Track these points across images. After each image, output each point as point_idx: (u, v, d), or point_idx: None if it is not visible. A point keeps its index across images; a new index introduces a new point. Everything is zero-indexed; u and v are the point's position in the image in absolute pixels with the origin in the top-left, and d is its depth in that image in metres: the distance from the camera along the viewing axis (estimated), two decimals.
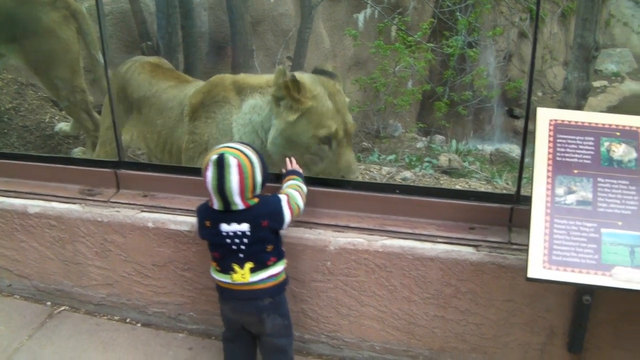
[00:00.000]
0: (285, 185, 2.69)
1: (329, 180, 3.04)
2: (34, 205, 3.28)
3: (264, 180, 2.54)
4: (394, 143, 7.92)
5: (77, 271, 3.29)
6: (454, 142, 7.90)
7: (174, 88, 3.69)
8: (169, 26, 6.80)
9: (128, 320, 3.31)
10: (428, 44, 7.65)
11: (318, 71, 3.27)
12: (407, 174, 5.47)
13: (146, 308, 3.24)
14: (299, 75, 3.14)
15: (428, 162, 6.59)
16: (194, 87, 3.63)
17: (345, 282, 2.85)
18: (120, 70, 3.98)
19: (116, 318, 3.32)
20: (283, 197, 2.56)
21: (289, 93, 3.05)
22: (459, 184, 5.23)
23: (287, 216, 2.54)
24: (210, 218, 2.52)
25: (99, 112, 4.79)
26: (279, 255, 2.57)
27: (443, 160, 6.45)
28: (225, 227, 2.48)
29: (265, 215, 2.49)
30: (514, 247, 2.69)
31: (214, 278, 2.60)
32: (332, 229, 2.85)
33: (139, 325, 3.29)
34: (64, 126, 5.25)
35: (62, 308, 3.41)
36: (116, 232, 3.11)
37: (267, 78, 3.23)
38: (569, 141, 2.42)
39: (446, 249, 2.71)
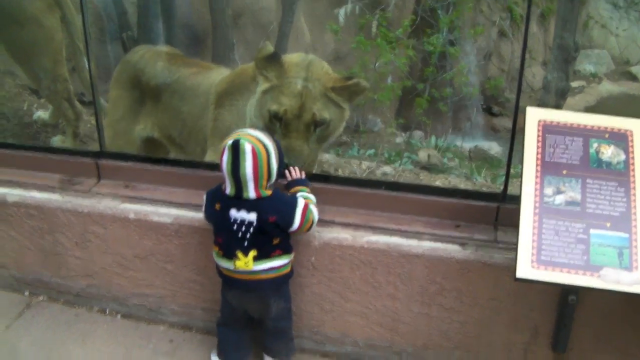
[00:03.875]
0: (298, 194, 2.69)
1: (315, 175, 3.01)
2: (13, 194, 3.21)
3: (280, 169, 2.57)
4: (373, 138, 7.90)
5: (56, 261, 3.22)
6: (433, 138, 7.89)
7: (197, 75, 3.66)
8: (150, 17, 6.66)
9: (108, 311, 3.26)
10: (409, 41, 7.62)
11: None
12: (387, 169, 5.47)
13: (127, 300, 3.19)
14: (289, 55, 3.16)
15: (407, 157, 6.58)
16: (218, 73, 3.64)
17: (330, 278, 2.83)
18: (130, 59, 3.90)
19: (96, 309, 3.27)
20: (300, 203, 2.58)
21: (264, 66, 3.04)
22: (439, 180, 5.23)
23: (297, 223, 2.56)
24: (221, 201, 2.55)
25: (81, 102, 4.69)
26: (285, 249, 2.60)
27: (422, 155, 6.46)
28: (234, 213, 2.52)
29: (274, 212, 2.52)
30: (500, 245, 2.69)
31: (216, 263, 2.63)
32: (318, 224, 2.79)
33: (119, 316, 3.24)
34: (42, 114, 5.15)
35: (41, 298, 3.34)
36: (97, 223, 3.06)
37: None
38: (558, 142, 2.41)
39: (432, 246, 2.70)
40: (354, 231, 2.82)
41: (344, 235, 2.78)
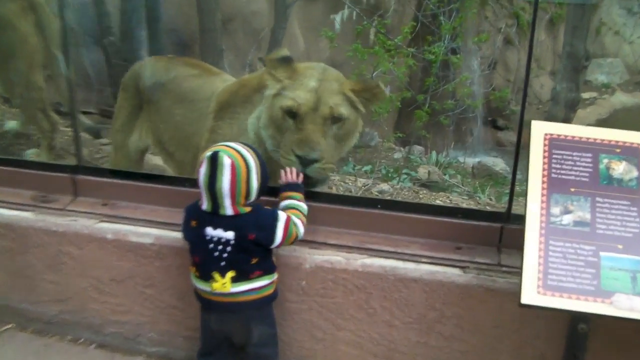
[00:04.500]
0: (283, 204, 2.69)
1: (306, 193, 2.89)
2: None
3: (262, 188, 2.55)
4: (369, 153, 7.85)
5: (27, 285, 3.18)
6: (433, 153, 7.84)
7: (197, 78, 3.67)
8: (134, 21, 6.65)
9: (81, 340, 3.21)
10: (409, 49, 7.58)
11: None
12: (384, 186, 5.46)
13: (102, 327, 3.15)
14: (304, 64, 3.17)
15: (406, 174, 6.54)
16: (221, 80, 3.67)
17: (321, 304, 2.81)
18: (134, 69, 3.94)
19: (68, 338, 3.22)
20: (282, 217, 2.56)
21: (276, 67, 3.07)
22: (440, 199, 5.21)
23: (279, 238, 2.55)
24: (197, 218, 2.54)
25: (57, 112, 4.66)
26: (266, 270, 2.58)
27: (422, 172, 6.42)
28: (210, 231, 2.51)
29: (254, 228, 2.50)
30: (504, 269, 2.67)
31: (193, 285, 2.61)
32: (308, 245, 2.82)
33: (92, 346, 3.19)
34: (14, 124, 5.09)
35: (8, 326, 3.28)
36: (72, 244, 3.03)
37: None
38: (566, 157, 2.39)
39: (431, 270, 2.69)
40: (347, 253, 2.82)
41: (337, 258, 2.77)
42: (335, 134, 3.00)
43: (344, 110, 2.98)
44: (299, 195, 2.71)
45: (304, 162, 2.84)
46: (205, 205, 2.50)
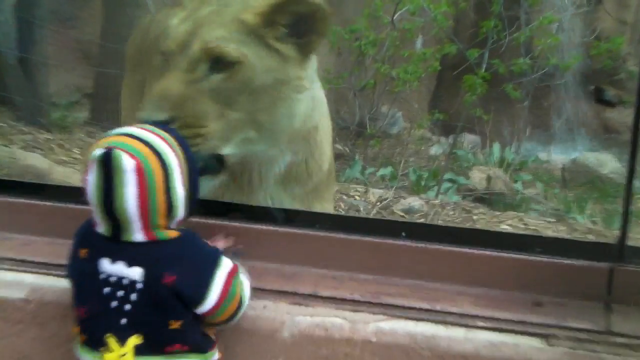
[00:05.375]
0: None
1: (279, 211, 2.64)
2: None
3: (192, 198, 2.15)
4: (390, 146, 7.05)
5: None
6: (496, 146, 6.94)
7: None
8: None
9: None
10: None
11: None
12: (414, 202, 4.98)
13: None
14: None
15: (451, 181, 6.12)
16: None
17: None
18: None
19: None
20: (225, 263, 2.13)
21: None
22: (507, 221, 4.70)
23: (213, 296, 2.05)
24: (89, 245, 2.12)
25: None
26: (194, 344, 2.10)
27: (477, 178, 5.91)
28: (106, 266, 2.05)
29: (175, 265, 2.03)
30: (617, 339, 2.19)
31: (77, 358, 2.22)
32: (288, 299, 2.40)
33: None
34: None
35: None
36: None
37: None
38: None
39: (492, 340, 2.24)
40: (353, 312, 2.35)
41: (335, 320, 2.32)
42: (219, 90, 2.52)
43: (233, 49, 2.50)
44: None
45: None
46: (101, 227, 2.07)
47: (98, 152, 2.01)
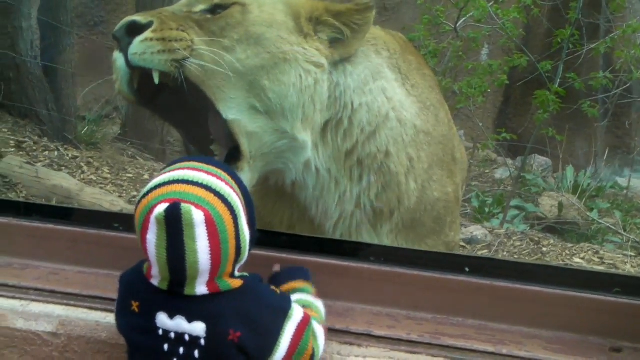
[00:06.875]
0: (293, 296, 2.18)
1: (332, 243, 2.53)
2: None
3: (253, 235, 2.00)
4: None
5: None
6: (569, 170, 6.65)
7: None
8: None
9: None
10: None
11: None
12: (477, 230, 4.85)
13: None
14: None
15: (518, 208, 5.78)
16: None
17: None
18: None
19: None
20: (297, 313, 2.00)
21: None
22: (581, 254, 4.42)
23: (282, 351, 1.95)
24: (142, 298, 1.98)
25: None
26: None
27: (548, 205, 5.67)
28: (164, 321, 1.92)
29: (242, 321, 1.92)
30: None
31: None
32: (340, 337, 2.27)
33: None
34: None
35: None
36: None
37: None
38: None
39: None
40: (409, 354, 2.25)
41: None
42: (208, 23, 2.47)
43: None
44: (309, 287, 2.19)
45: (121, 37, 2.33)
46: (156, 280, 1.92)
47: (160, 209, 1.83)
